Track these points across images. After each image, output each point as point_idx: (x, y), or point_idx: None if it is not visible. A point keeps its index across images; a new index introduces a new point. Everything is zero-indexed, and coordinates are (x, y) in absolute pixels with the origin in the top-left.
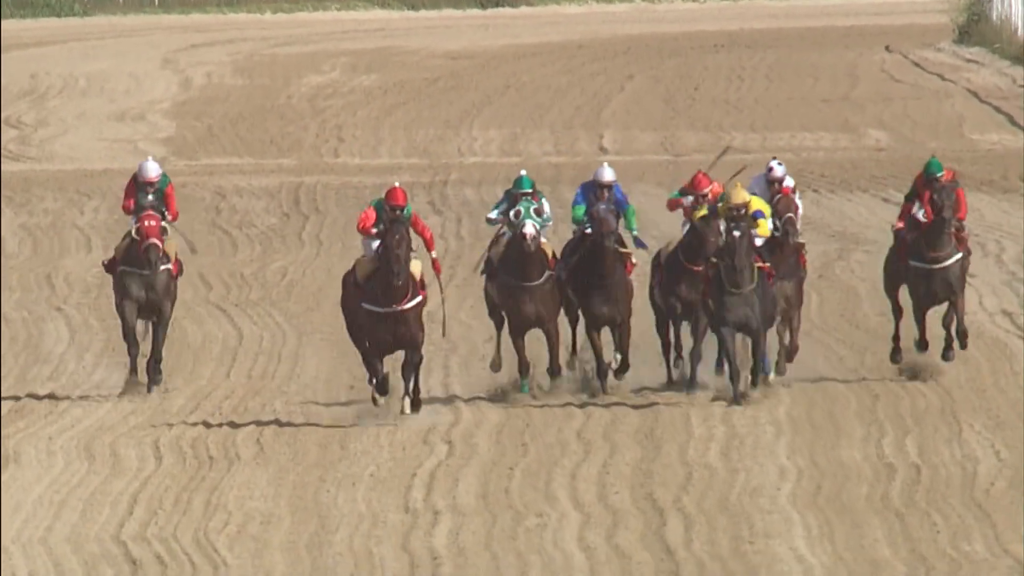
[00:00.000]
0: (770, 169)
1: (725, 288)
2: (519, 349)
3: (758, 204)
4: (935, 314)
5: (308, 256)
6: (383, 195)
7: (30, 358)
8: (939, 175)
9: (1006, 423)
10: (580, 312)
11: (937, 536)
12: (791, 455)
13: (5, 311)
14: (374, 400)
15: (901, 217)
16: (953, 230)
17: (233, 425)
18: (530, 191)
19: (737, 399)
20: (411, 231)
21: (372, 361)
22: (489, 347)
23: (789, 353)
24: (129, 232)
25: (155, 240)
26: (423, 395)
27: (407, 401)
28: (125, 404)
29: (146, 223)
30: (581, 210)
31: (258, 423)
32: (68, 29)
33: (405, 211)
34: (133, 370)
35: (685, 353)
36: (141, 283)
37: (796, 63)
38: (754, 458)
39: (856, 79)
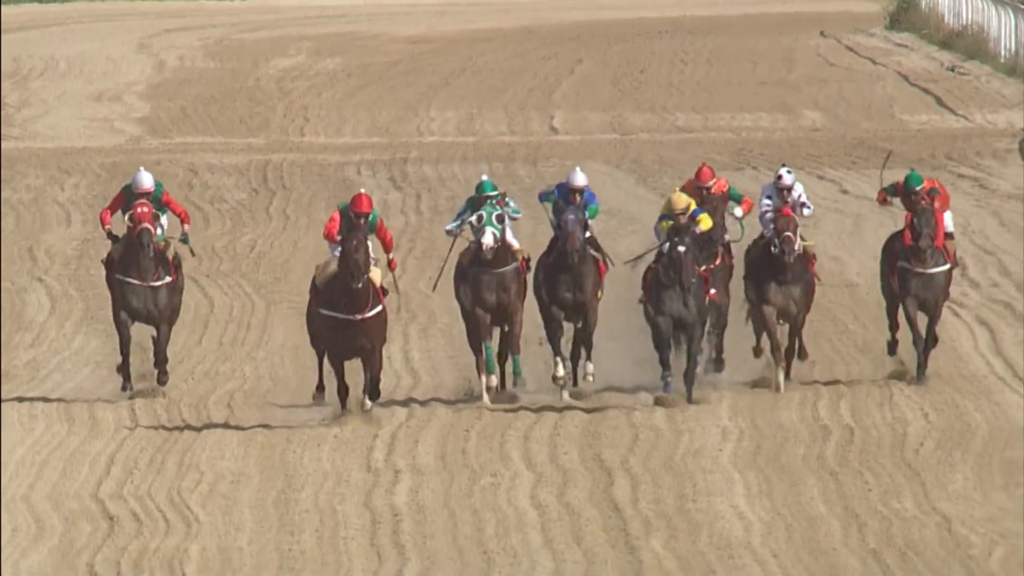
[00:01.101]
0: (779, 177)
1: (663, 284)
2: (483, 335)
3: (693, 204)
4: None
5: (276, 230)
6: (349, 200)
7: (13, 326)
8: (918, 189)
9: (934, 388)
10: (549, 308)
11: (869, 494)
12: (732, 417)
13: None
14: (315, 397)
15: (880, 194)
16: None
17: (205, 389)
18: (493, 194)
19: (664, 393)
20: (374, 235)
21: (332, 365)
22: (448, 318)
23: (800, 353)
24: (126, 235)
25: (147, 225)
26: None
27: (365, 397)
28: (103, 370)
29: (139, 209)
30: (551, 204)
31: (228, 387)
32: (49, 14)
33: (371, 217)
34: (127, 379)
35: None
36: (138, 296)
37: (736, 48)
38: (697, 420)
39: (793, 63)
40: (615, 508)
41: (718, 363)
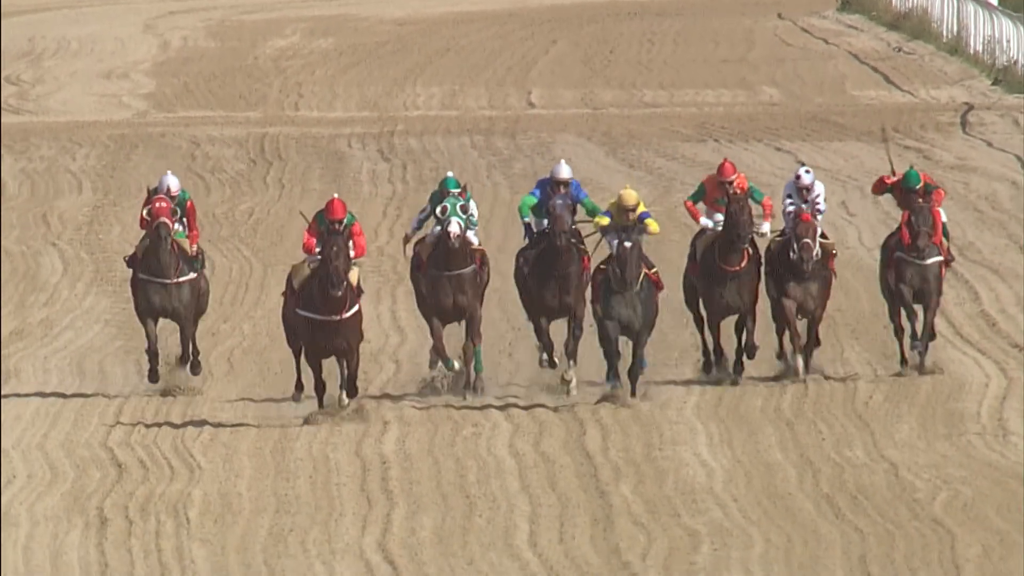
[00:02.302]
0: (798, 177)
1: (612, 288)
2: (437, 337)
3: (642, 207)
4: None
5: (272, 198)
6: (323, 207)
7: (28, 287)
8: (916, 187)
9: (883, 344)
10: (535, 303)
11: (823, 443)
12: (695, 373)
13: (6, 246)
14: (294, 396)
15: (877, 186)
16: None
17: (207, 346)
18: (457, 190)
19: (612, 394)
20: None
21: (310, 364)
22: None
23: (809, 347)
24: (146, 232)
25: (165, 219)
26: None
27: (343, 394)
28: (112, 328)
29: (157, 204)
30: (532, 201)
31: (228, 344)
32: None
33: (345, 222)
34: (153, 374)
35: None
36: (159, 293)
37: (700, 29)
38: (663, 375)
39: (752, 43)
40: (587, 456)
41: (750, 350)
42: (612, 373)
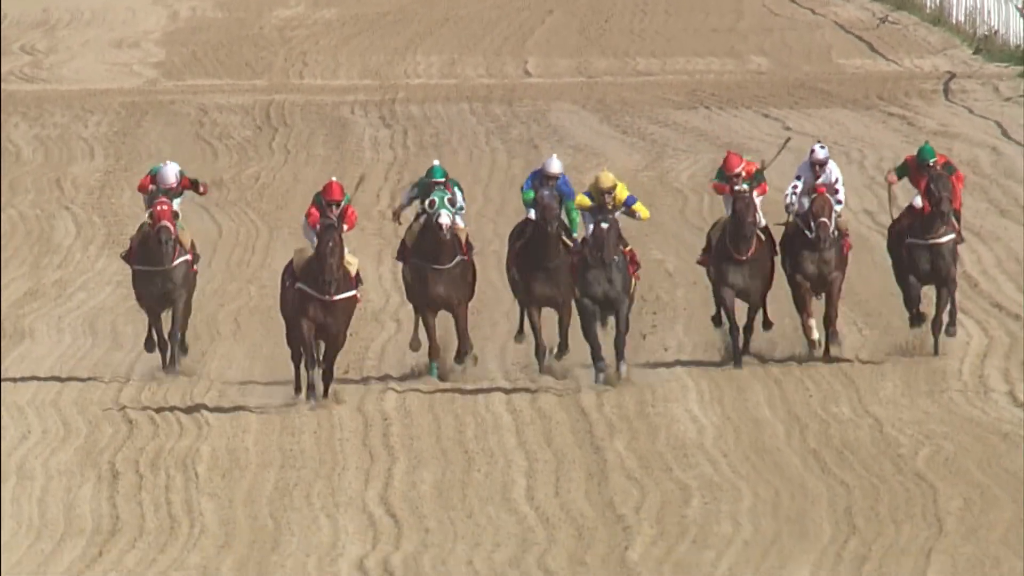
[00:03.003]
0: (812, 151)
1: (588, 264)
2: (430, 330)
3: (625, 190)
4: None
5: (277, 163)
6: (321, 189)
7: (42, 249)
8: (932, 161)
9: (867, 305)
10: (523, 292)
11: (809, 400)
12: (687, 333)
13: (22, 210)
14: (297, 388)
15: (892, 174)
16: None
17: (215, 306)
18: (443, 180)
19: (598, 375)
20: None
21: (301, 337)
22: None
23: (830, 320)
24: (143, 224)
25: (167, 223)
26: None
27: (318, 377)
28: (123, 289)
29: (159, 208)
30: (530, 195)
31: (235, 305)
32: None
33: (342, 203)
34: (164, 364)
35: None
36: (157, 279)
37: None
38: (655, 335)
39: (741, 13)
40: (582, 412)
41: (766, 324)
42: (600, 364)
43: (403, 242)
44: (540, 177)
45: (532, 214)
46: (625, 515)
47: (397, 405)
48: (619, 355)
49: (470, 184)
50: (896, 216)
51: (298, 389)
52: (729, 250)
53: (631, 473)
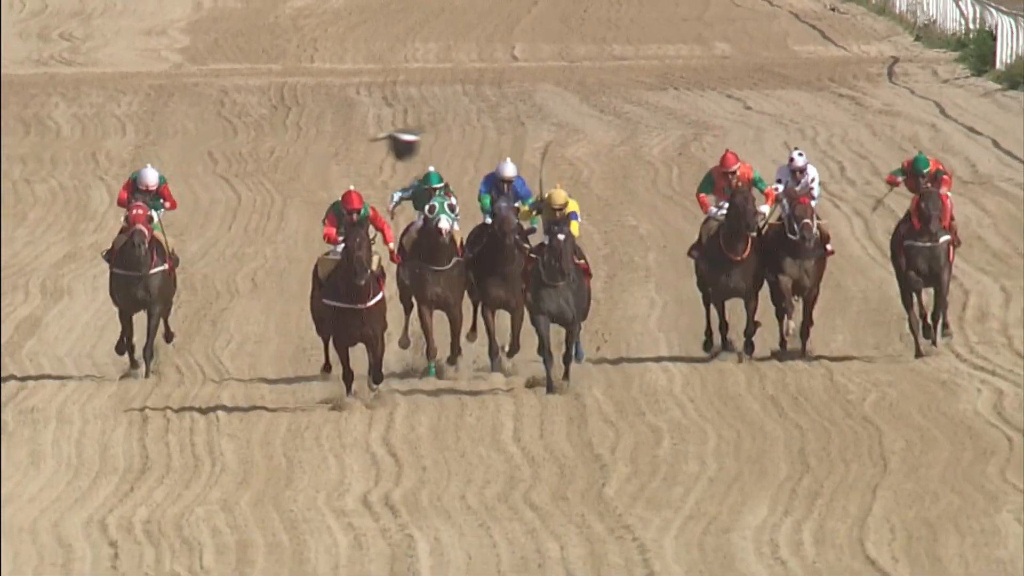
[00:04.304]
0: (791, 160)
1: (542, 281)
2: (427, 331)
3: (574, 206)
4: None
5: (291, 138)
6: (340, 199)
7: (79, 216)
8: (925, 171)
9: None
10: (479, 295)
11: (768, 350)
12: (658, 291)
13: (61, 180)
14: (322, 376)
15: (890, 177)
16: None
17: (233, 267)
18: (439, 185)
19: (551, 387)
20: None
21: (338, 350)
22: None
23: (805, 328)
24: (122, 232)
25: (141, 226)
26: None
27: (370, 379)
28: None
29: (134, 211)
30: (487, 200)
31: (253, 266)
32: None
33: (362, 212)
34: (133, 364)
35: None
36: (134, 284)
37: None
38: (631, 293)
39: (707, 4)
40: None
41: (750, 327)
42: (547, 362)
43: (400, 245)
44: (495, 181)
45: (488, 219)
46: (602, 455)
47: (397, 358)
48: (566, 374)
49: (463, 158)
50: (898, 221)
51: (327, 368)
52: (723, 250)
53: (608, 417)
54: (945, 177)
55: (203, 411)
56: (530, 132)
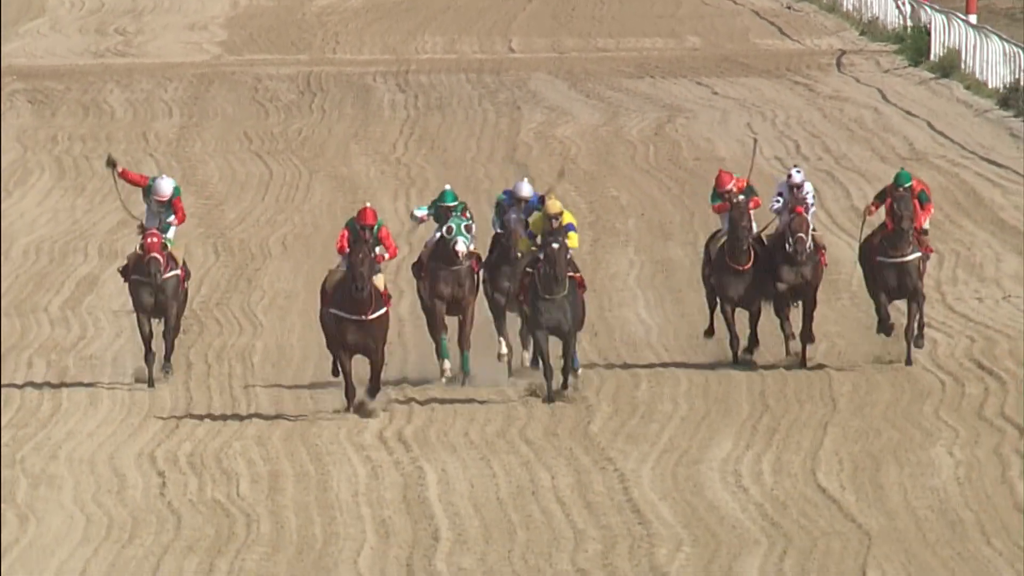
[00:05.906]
0: (789, 176)
1: (539, 294)
2: (438, 328)
3: (569, 217)
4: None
5: (316, 120)
6: (356, 214)
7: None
8: (906, 185)
9: None
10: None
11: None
12: (637, 253)
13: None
14: (333, 374)
15: (873, 205)
16: (914, 235)
17: (266, 232)
18: (454, 204)
19: (550, 396)
20: (379, 243)
21: (341, 359)
22: (437, 183)
23: (805, 337)
24: (137, 255)
25: (155, 255)
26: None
27: (364, 392)
28: (194, 220)
29: (148, 240)
30: (502, 197)
31: (283, 231)
32: None
33: (376, 227)
34: (150, 371)
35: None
36: (150, 290)
37: None
38: (612, 254)
39: (679, 3)
40: None
41: (753, 337)
42: (547, 373)
43: (419, 258)
44: (512, 198)
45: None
46: (587, 396)
47: (409, 311)
48: (564, 384)
49: (466, 137)
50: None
51: (335, 373)
52: (728, 262)
53: (592, 363)
54: (928, 207)
55: (240, 358)
56: (525, 115)
